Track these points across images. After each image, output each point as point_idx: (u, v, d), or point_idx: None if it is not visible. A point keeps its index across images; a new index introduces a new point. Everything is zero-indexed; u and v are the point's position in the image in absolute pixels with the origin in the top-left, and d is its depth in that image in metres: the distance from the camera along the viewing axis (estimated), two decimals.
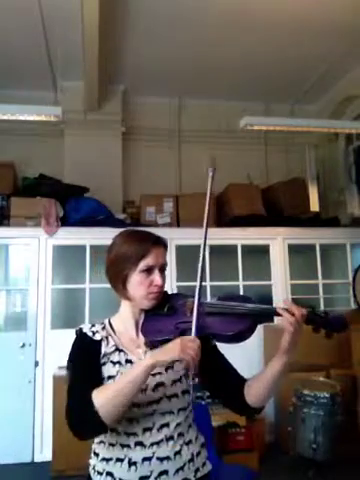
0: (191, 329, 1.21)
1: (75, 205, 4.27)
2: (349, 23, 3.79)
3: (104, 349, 1.31)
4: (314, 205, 4.88)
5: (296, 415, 3.36)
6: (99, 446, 1.32)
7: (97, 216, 4.23)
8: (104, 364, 1.29)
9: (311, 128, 4.23)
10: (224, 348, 1.39)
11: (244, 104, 4.96)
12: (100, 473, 1.29)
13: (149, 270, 1.31)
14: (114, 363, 1.30)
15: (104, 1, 3.22)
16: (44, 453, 3.82)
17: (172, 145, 5.26)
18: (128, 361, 1.30)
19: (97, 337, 1.33)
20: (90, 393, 1.16)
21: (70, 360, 1.33)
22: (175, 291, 3.45)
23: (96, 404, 1.14)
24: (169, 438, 1.27)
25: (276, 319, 1.28)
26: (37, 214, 4.10)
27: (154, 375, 1.27)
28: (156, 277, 1.32)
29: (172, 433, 1.28)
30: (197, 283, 1.28)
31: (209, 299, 1.37)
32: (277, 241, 4.57)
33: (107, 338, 1.34)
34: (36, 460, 3.86)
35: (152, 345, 1.30)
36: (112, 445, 1.28)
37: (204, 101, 5.16)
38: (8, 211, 4.13)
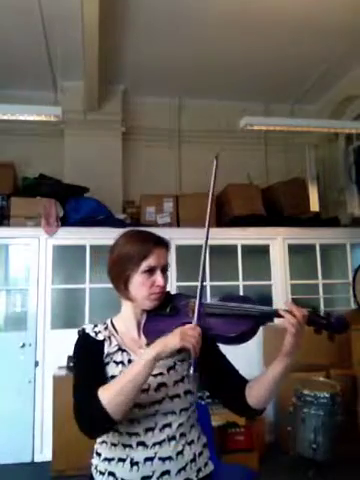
0: (194, 318, 1.22)
1: (75, 205, 4.27)
2: (349, 23, 3.79)
3: (107, 349, 1.31)
4: (314, 205, 4.87)
5: (296, 415, 3.36)
6: (101, 446, 1.32)
7: (97, 216, 4.23)
8: (107, 364, 1.29)
9: (311, 128, 4.23)
10: (223, 348, 1.38)
11: (244, 104, 4.96)
12: (102, 473, 1.29)
13: (151, 271, 1.31)
14: (117, 363, 1.30)
15: (104, 0, 3.22)
16: (44, 453, 3.82)
17: (172, 145, 5.26)
18: (131, 361, 1.30)
19: (100, 337, 1.33)
20: (96, 391, 1.16)
21: (74, 361, 1.33)
22: (175, 291, 3.46)
23: (103, 401, 1.14)
24: (171, 438, 1.27)
25: (276, 320, 1.27)
26: (37, 214, 4.10)
27: (156, 376, 1.27)
28: (158, 278, 1.32)
29: (174, 433, 1.28)
30: (198, 283, 1.28)
31: (209, 299, 1.37)
32: (277, 241, 4.57)
33: (110, 338, 1.34)
34: (36, 460, 3.86)
35: None
36: (114, 445, 1.28)
37: (204, 101, 5.16)
38: (8, 211, 4.13)
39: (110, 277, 1.37)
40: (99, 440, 1.32)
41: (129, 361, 1.30)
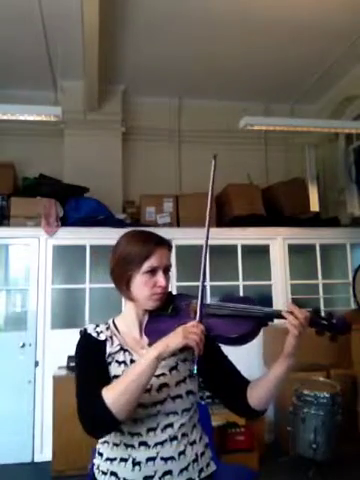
0: (197, 315, 1.22)
1: (75, 205, 4.27)
2: (349, 23, 3.79)
3: (109, 349, 1.31)
4: (314, 205, 4.87)
5: (296, 415, 3.36)
6: (103, 446, 1.32)
7: (97, 216, 4.23)
8: (109, 364, 1.30)
9: (311, 128, 4.23)
10: (223, 349, 1.39)
11: (244, 104, 4.96)
12: (104, 473, 1.29)
13: (153, 271, 1.31)
14: (119, 363, 1.30)
15: (104, 0, 3.22)
16: (44, 453, 3.82)
17: (172, 145, 5.26)
18: (133, 361, 1.30)
19: (102, 337, 1.33)
20: (99, 391, 1.16)
21: (76, 361, 1.32)
22: (175, 291, 3.45)
23: (107, 401, 1.14)
24: (173, 438, 1.28)
25: (276, 321, 1.27)
26: (37, 214, 4.10)
27: (158, 376, 1.27)
28: (160, 278, 1.31)
29: (176, 433, 1.28)
30: (200, 284, 1.28)
31: (209, 300, 1.36)
32: (277, 241, 4.57)
33: (112, 338, 1.34)
34: (36, 460, 3.86)
35: None
36: (116, 445, 1.28)
37: (204, 101, 5.16)
38: (8, 211, 4.13)
39: (112, 277, 1.37)
40: (101, 440, 1.32)
41: (131, 361, 1.30)
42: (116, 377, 1.27)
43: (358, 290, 4.43)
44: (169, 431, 1.28)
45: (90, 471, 1.40)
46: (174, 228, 4.43)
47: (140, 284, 1.31)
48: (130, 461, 1.25)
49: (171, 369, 1.31)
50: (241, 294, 4.45)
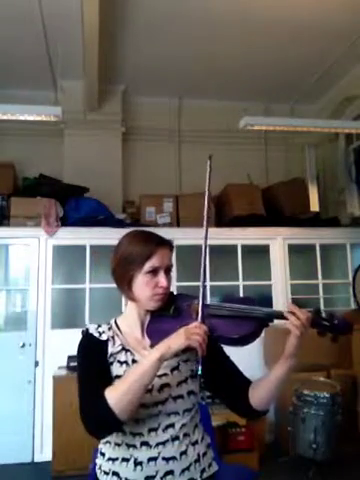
0: (199, 316, 1.22)
1: (75, 205, 4.27)
2: (349, 23, 3.80)
3: (111, 349, 1.31)
4: (314, 205, 4.87)
5: (296, 415, 3.36)
6: (105, 446, 1.32)
7: (97, 216, 4.23)
8: (111, 364, 1.30)
9: (311, 128, 4.23)
10: (224, 349, 1.39)
11: (244, 104, 4.95)
12: (106, 473, 1.29)
13: (154, 271, 1.31)
14: (121, 363, 1.30)
15: (104, 0, 3.22)
16: (44, 453, 3.82)
17: (172, 145, 5.25)
18: (134, 361, 1.30)
19: (103, 337, 1.33)
20: (102, 391, 1.16)
21: (78, 360, 1.32)
22: (175, 291, 3.45)
23: (110, 401, 1.14)
24: (175, 438, 1.28)
25: (276, 321, 1.28)
26: (37, 214, 4.10)
27: (160, 377, 1.27)
28: (161, 278, 1.31)
29: (177, 433, 1.28)
30: (200, 284, 1.28)
31: (209, 300, 1.36)
32: (277, 241, 4.57)
33: (113, 338, 1.34)
34: (36, 460, 3.86)
35: None
36: (118, 445, 1.28)
37: (204, 101, 5.15)
38: (8, 211, 4.13)
39: (114, 277, 1.37)
40: (103, 440, 1.32)
41: (133, 361, 1.30)
42: (118, 377, 1.27)
43: (358, 290, 4.44)
44: (170, 431, 1.28)
45: (91, 471, 1.40)
46: (174, 228, 4.43)
47: (141, 284, 1.31)
48: (132, 461, 1.25)
49: (173, 369, 1.31)
50: (241, 294, 4.45)
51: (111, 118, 4.93)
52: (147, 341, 1.33)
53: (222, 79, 4.79)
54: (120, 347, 1.32)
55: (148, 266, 1.30)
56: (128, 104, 5.12)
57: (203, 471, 1.31)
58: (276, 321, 1.26)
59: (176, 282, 4.15)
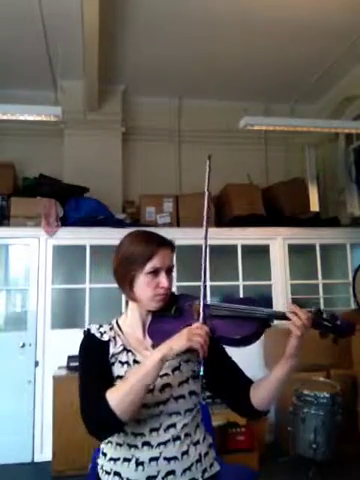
0: (200, 317, 1.22)
1: (75, 205, 4.27)
2: (349, 23, 3.80)
3: (112, 349, 1.31)
4: (314, 205, 4.87)
5: (296, 415, 3.36)
6: (107, 446, 1.32)
7: (97, 216, 4.23)
8: (113, 364, 1.30)
9: (311, 128, 4.23)
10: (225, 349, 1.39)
11: (244, 104, 4.95)
12: (108, 473, 1.30)
13: (156, 272, 1.31)
14: (122, 363, 1.30)
15: (104, 0, 3.22)
16: (44, 453, 3.82)
17: (172, 145, 5.25)
18: (136, 362, 1.30)
19: (105, 338, 1.33)
20: (103, 393, 1.16)
21: (79, 360, 1.32)
22: (175, 291, 3.45)
23: (111, 402, 1.14)
24: (176, 438, 1.28)
25: (276, 321, 1.28)
26: (37, 214, 4.10)
27: (161, 377, 1.27)
28: (162, 279, 1.31)
29: (179, 433, 1.28)
30: (201, 284, 1.28)
31: (209, 299, 1.36)
32: (277, 241, 4.57)
33: (115, 338, 1.34)
34: (36, 460, 3.86)
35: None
36: (120, 445, 1.28)
37: (204, 101, 5.15)
38: (8, 211, 4.13)
39: (115, 277, 1.37)
40: (104, 440, 1.33)
41: (134, 361, 1.30)
42: (119, 377, 1.27)
43: (358, 290, 4.43)
44: (172, 431, 1.28)
45: (91, 471, 1.40)
46: (174, 228, 4.43)
47: (143, 285, 1.31)
48: (133, 461, 1.26)
49: (174, 369, 1.32)
50: (241, 294, 4.45)
51: (111, 118, 4.93)
52: (148, 341, 1.33)
53: (222, 79, 4.79)
54: (121, 348, 1.32)
55: (149, 266, 1.30)
56: (128, 104, 5.12)
57: (205, 471, 1.31)
58: (276, 321, 1.26)
59: (176, 282, 4.14)
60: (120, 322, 1.41)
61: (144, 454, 1.25)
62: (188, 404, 1.31)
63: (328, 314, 1.24)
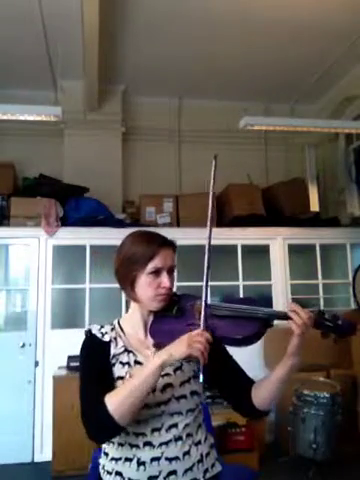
0: (201, 323, 1.21)
1: (75, 205, 4.27)
2: (349, 23, 3.79)
3: (113, 350, 1.31)
4: (314, 205, 4.87)
5: (296, 415, 3.36)
6: (109, 446, 1.32)
7: (97, 216, 4.23)
8: (113, 365, 1.30)
9: (311, 128, 4.23)
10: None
11: (244, 104, 4.95)
12: (109, 473, 1.30)
13: (157, 272, 1.31)
14: (123, 364, 1.30)
15: (104, 0, 3.22)
16: (44, 453, 3.82)
17: (172, 145, 5.25)
18: (137, 362, 1.30)
19: (106, 338, 1.33)
20: (103, 397, 1.17)
21: (80, 361, 1.33)
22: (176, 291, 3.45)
23: (110, 407, 1.15)
24: (178, 438, 1.28)
25: (277, 321, 1.28)
26: (37, 214, 4.10)
27: (163, 376, 1.27)
28: (164, 279, 1.32)
29: (181, 433, 1.28)
30: (203, 284, 1.28)
31: (209, 300, 1.36)
32: (277, 241, 4.57)
33: (116, 339, 1.34)
34: (36, 460, 3.86)
35: (161, 347, 1.30)
36: (121, 445, 1.28)
37: (204, 101, 5.15)
38: (8, 211, 4.13)
39: (117, 278, 1.37)
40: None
41: (135, 362, 1.30)
42: (120, 378, 1.27)
43: (358, 290, 4.43)
44: (174, 431, 1.28)
45: (91, 471, 1.40)
46: (174, 228, 4.43)
47: (144, 285, 1.31)
48: (135, 461, 1.26)
49: (176, 369, 1.32)
50: (241, 294, 4.45)
51: (111, 118, 4.93)
52: (150, 341, 1.33)
53: (222, 79, 4.79)
54: (122, 349, 1.32)
55: (151, 267, 1.30)
56: (128, 104, 5.12)
57: (206, 471, 1.31)
58: (277, 321, 1.26)
59: (176, 282, 4.15)
60: (122, 322, 1.41)
61: (146, 454, 1.25)
62: (190, 404, 1.31)
63: (329, 314, 1.24)
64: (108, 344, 1.32)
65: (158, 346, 1.29)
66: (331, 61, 4.43)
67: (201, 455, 1.31)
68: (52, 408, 3.58)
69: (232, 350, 1.37)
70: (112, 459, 1.30)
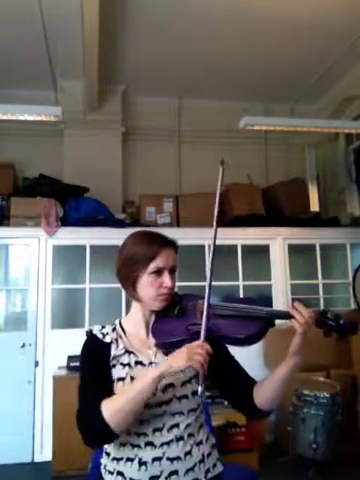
0: (202, 322, 1.21)
1: (75, 205, 4.27)
2: (349, 23, 3.79)
3: (113, 352, 1.32)
4: (314, 205, 4.87)
5: (296, 415, 3.36)
6: (110, 446, 1.32)
7: (97, 216, 4.23)
8: (114, 366, 1.30)
9: (311, 128, 4.23)
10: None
11: (244, 104, 4.95)
12: (111, 472, 1.30)
13: (159, 272, 1.32)
14: (124, 365, 1.30)
15: (104, 0, 3.22)
16: (44, 453, 3.82)
17: (172, 145, 5.25)
18: (138, 362, 1.31)
19: (107, 339, 1.33)
20: (100, 403, 1.17)
21: (81, 360, 1.34)
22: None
23: (105, 415, 1.16)
24: (179, 438, 1.28)
25: (277, 321, 1.28)
26: (37, 214, 4.10)
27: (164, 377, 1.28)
28: (166, 279, 1.32)
29: (182, 433, 1.28)
30: (207, 283, 1.29)
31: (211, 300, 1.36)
32: (277, 241, 4.57)
33: (117, 340, 1.34)
34: (36, 460, 3.85)
35: (162, 346, 1.30)
36: (123, 445, 1.29)
37: (204, 101, 5.15)
38: (8, 211, 4.13)
39: (118, 278, 1.37)
40: None
41: (136, 362, 1.30)
42: (120, 379, 1.27)
43: (358, 290, 4.43)
44: (175, 431, 1.28)
45: (91, 471, 1.40)
46: (174, 228, 4.43)
47: (146, 285, 1.31)
48: (136, 461, 1.26)
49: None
50: (241, 294, 4.45)
51: (111, 118, 4.93)
52: (152, 340, 1.34)
53: (222, 79, 4.79)
54: (123, 350, 1.32)
55: (152, 266, 1.31)
56: (128, 104, 5.12)
57: (208, 471, 1.31)
58: (278, 321, 1.26)
59: (176, 282, 4.15)
60: (123, 322, 1.41)
61: (147, 454, 1.25)
62: (191, 404, 1.31)
63: (332, 314, 1.24)
64: (109, 345, 1.32)
65: (161, 346, 1.30)
66: (331, 61, 4.43)
67: (203, 455, 1.31)
68: (52, 408, 3.59)
69: (231, 350, 1.37)
70: (114, 459, 1.30)
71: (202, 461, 1.30)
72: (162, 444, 1.26)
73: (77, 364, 1.34)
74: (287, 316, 1.23)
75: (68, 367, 3.74)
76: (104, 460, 1.35)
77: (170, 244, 1.36)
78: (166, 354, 1.30)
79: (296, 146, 5.37)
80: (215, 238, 1.33)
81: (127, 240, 1.38)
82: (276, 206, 4.72)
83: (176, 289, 1.42)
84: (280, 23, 3.82)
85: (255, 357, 3.93)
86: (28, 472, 3.71)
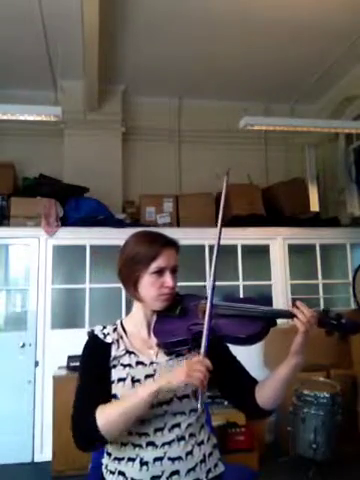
0: (203, 331, 1.21)
1: (75, 205, 4.27)
2: (349, 23, 3.79)
3: (114, 352, 1.32)
4: (314, 205, 4.87)
5: (296, 415, 3.36)
6: (111, 446, 1.32)
7: (97, 216, 4.23)
8: (114, 367, 1.30)
9: (311, 128, 4.23)
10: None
11: (244, 104, 4.95)
12: (112, 472, 1.30)
13: (160, 272, 1.32)
14: (124, 366, 1.30)
15: (104, 0, 3.22)
16: (44, 453, 3.82)
17: (172, 145, 5.25)
18: (139, 363, 1.31)
19: (108, 340, 1.34)
20: (95, 408, 1.19)
21: (81, 360, 1.34)
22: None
23: (99, 423, 1.17)
24: (180, 438, 1.28)
25: (278, 320, 1.28)
26: (37, 214, 4.10)
27: None
28: (167, 279, 1.32)
29: (183, 433, 1.28)
30: (209, 284, 1.30)
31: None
32: (277, 241, 4.57)
33: (118, 341, 1.34)
34: (36, 460, 3.85)
35: (164, 346, 1.30)
36: (124, 445, 1.29)
37: (204, 101, 5.15)
38: (8, 211, 4.13)
39: (120, 277, 1.38)
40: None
41: (136, 363, 1.31)
42: (120, 380, 1.28)
43: (358, 290, 4.43)
44: (176, 431, 1.28)
45: (90, 471, 1.40)
46: (174, 228, 4.43)
47: (147, 284, 1.32)
48: (137, 461, 1.26)
49: None
50: (241, 294, 4.45)
51: (111, 118, 4.93)
52: (153, 340, 1.34)
53: (222, 79, 4.79)
54: (124, 351, 1.33)
55: (154, 266, 1.31)
56: (128, 104, 5.12)
57: (209, 471, 1.31)
58: (279, 321, 1.27)
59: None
60: (125, 322, 1.41)
61: (148, 454, 1.26)
62: (192, 404, 1.31)
63: (333, 313, 1.25)
64: (109, 346, 1.32)
65: (163, 346, 1.30)
66: (331, 61, 4.44)
67: (204, 455, 1.31)
68: (52, 408, 3.59)
69: (231, 350, 1.37)
70: (115, 459, 1.30)
71: (203, 461, 1.30)
72: (163, 444, 1.26)
73: (77, 364, 1.34)
74: (289, 315, 1.23)
75: (68, 367, 3.74)
76: (105, 460, 1.35)
77: (171, 244, 1.36)
78: (167, 354, 1.31)
79: (296, 146, 5.38)
80: (218, 244, 1.33)
81: (129, 240, 1.38)
82: (276, 206, 4.72)
83: (177, 289, 1.42)
84: (280, 23, 3.82)
85: (255, 357, 3.93)
86: (28, 472, 3.71)
